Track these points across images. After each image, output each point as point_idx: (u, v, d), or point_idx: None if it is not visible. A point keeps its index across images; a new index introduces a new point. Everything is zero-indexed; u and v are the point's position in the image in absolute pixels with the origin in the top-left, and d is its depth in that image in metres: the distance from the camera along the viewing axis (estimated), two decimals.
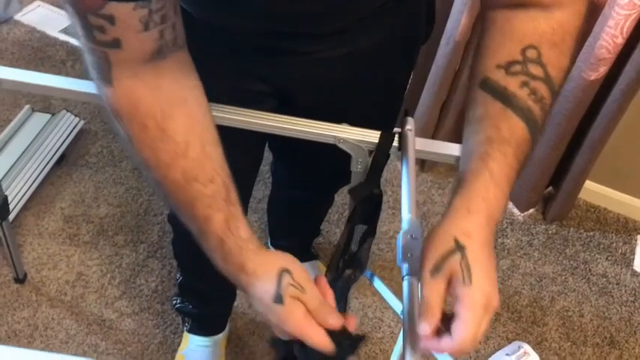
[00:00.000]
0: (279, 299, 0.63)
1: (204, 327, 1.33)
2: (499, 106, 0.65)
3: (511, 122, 0.64)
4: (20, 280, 1.42)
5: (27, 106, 1.73)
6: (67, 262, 1.49)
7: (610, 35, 1.30)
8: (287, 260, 0.66)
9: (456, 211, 0.62)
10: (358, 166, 0.91)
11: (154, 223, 1.59)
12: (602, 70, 1.38)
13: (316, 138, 0.87)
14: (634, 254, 1.72)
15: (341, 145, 0.88)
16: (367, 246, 0.95)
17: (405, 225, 0.75)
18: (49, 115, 1.75)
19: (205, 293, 1.26)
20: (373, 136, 0.86)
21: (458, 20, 1.44)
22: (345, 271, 1.07)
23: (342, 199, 1.65)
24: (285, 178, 1.33)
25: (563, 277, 1.64)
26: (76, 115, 1.75)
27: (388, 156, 0.88)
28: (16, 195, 1.54)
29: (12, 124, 1.67)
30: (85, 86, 0.87)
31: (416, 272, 0.71)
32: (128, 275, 1.48)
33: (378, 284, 1.01)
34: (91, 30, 0.57)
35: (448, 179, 1.82)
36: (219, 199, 0.64)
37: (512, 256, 1.66)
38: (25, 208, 1.56)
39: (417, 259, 0.72)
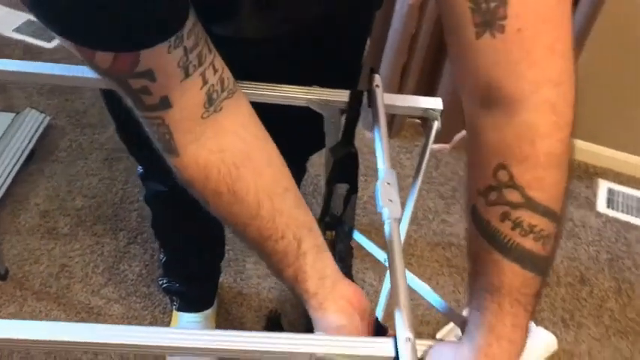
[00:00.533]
0: None
1: (192, 304, 1.36)
2: (486, 247, 0.58)
3: (499, 266, 0.57)
4: (2, 276, 1.43)
5: None
6: (49, 256, 1.49)
7: None
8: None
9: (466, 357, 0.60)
10: (331, 127, 0.95)
11: (130, 210, 1.60)
12: None
13: (289, 101, 0.90)
14: (596, 197, 1.81)
15: (313, 107, 0.91)
16: (352, 205, 0.99)
17: (381, 174, 0.79)
18: (12, 114, 1.73)
19: (191, 270, 1.28)
20: (343, 95, 0.90)
21: None
22: (325, 233, 1.11)
23: (315, 170, 1.69)
24: None
25: None
26: (41, 112, 1.74)
27: (359, 113, 0.92)
28: None
29: None
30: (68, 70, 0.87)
31: (396, 215, 0.76)
32: (111, 262, 1.49)
33: (359, 237, 1.05)
34: (138, 96, 0.54)
35: (414, 143, 1.87)
36: (290, 256, 0.67)
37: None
38: None
39: (396, 204, 0.77)
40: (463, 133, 1.85)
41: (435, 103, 0.91)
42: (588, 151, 1.85)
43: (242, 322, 1.42)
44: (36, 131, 1.71)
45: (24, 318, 1.38)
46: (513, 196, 0.55)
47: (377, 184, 0.78)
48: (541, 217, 0.55)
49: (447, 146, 1.88)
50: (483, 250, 0.58)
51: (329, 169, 1.02)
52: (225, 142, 0.61)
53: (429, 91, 1.76)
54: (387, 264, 0.89)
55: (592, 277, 1.61)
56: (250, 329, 1.40)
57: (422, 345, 0.67)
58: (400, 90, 1.75)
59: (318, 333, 0.70)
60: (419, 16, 1.57)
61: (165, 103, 0.55)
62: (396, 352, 0.64)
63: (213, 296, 1.39)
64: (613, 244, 1.69)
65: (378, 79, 0.91)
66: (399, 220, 0.76)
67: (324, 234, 1.08)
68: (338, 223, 1.06)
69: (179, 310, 1.36)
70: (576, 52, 0.58)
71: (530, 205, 0.55)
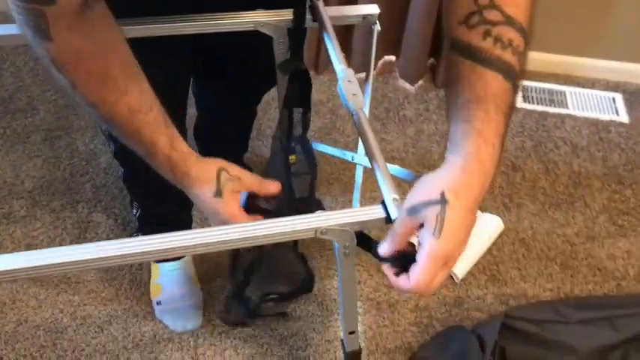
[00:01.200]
0: (218, 194, 0.80)
1: None
2: (468, 65, 0.65)
3: (483, 78, 0.64)
4: None
5: None
6: (12, 239, 1.49)
7: None
8: (223, 162, 0.82)
9: (452, 168, 0.65)
10: (281, 47, 1.01)
11: (83, 182, 1.61)
12: None
13: (237, 27, 0.96)
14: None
15: (262, 29, 0.97)
16: (308, 123, 1.07)
17: (340, 74, 0.88)
18: None
19: (166, 218, 1.33)
20: (288, 13, 0.96)
21: None
22: (288, 158, 1.19)
23: (263, 113, 1.76)
24: (210, 102, 1.40)
25: None
26: None
27: (305, 29, 0.99)
28: None
29: None
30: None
31: (361, 105, 0.85)
32: (77, 234, 1.51)
33: (322, 147, 1.14)
34: None
35: None
36: (160, 125, 0.76)
37: (414, 123, 1.86)
38: None
39: (359, 96, 0.86)
40: (385, 59, 1.96)
41: (372, 9, 1.00)
42: None
43: (218, 263, 1.49)
44: None
45: (2, 300, 1.39)
46: (493, 14, 0.64)
47: (339, 83, 0.87)
48: (517, 34, 0.65)
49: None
50: (466, 68, 0.65)
51: (282, 94, 1.09)
52: (96, 33, 0.69)
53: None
54: (355, 161, 0.99)
55: (522, 164, 1.78)
56: (226, 268, 1.47)
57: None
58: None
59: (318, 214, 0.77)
60: None
61: (51, 1, 0.61)
62: (387, 213, 0.74)
63: None
64: (534, 132, 1.87)
65: None
66: (366, 111, 0.85)
67: (287, 159, 1.18)
68: (300, 143, 1.14)
69: (158, 261, 1.41)
70: None
71: (509, 21, 0.64)
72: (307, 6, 0.97)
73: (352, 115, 0.84)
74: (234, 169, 0.83)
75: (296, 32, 0.98)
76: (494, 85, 0.65)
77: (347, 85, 0.86)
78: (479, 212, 1.62)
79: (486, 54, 0.64)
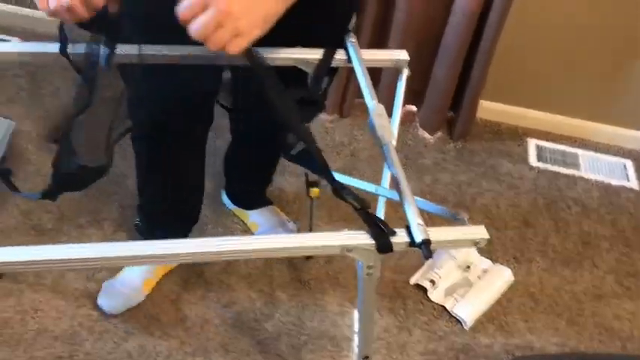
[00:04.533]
0: None
1: None
2: None
3: None
4: None
5: None
6: None
7: None
8: None
9: None
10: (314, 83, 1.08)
11: (112, 202, 1.68)
12: None
13: (278, 63, 1.03)
14: (527, 153, 2.04)
15: (300, 65, 1.05)
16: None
17: (372, 109, 0.95)
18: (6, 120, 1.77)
19: (165, 211, 1.41)
20: (318, 52, 1.04)
21: None
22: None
23: None
24: (242, 130, 1.48)
25: (477, 181, 1.92)
26: (5, 117, 1.78)
27: (332, 68, 1.06)
28: None
29: None
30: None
31: (391, 139, 0.91)
32: None
33: (344, 178, 1.20)
34: None
35: (365, 120, 2.04)
36: None
37: (431, 171, 1.92)
38: None
39: (389, 130, 0.92)
40: (407, 107, 2.05)
41: (403, 55, 1.08)
42: (516, 114, 2.09)
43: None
44: (4, 137, 1.75)
45: (25, 309, 1.44)
46: None
47: (370, 117, 0.94)
48: None
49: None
50: None
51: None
52: None
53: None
54: (377, 192, 1.05)
55: (534, 220, 1.82)
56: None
57: (430, 231, 0.81)
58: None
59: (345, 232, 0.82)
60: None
61: None
62: (411, 237, 0.79)
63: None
64: (547, 191, 1.92)
65: (352, 36, 1.07)
66: (394, 143, 0.91)
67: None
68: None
69: None
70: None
71: None
72: (345, 46, 1.05)
73: (382, 146, 0.91)
74: None
75: (320, 66, 1.04)
76: None
77: (378, 118, 0.93)
78: (490, 263, 1.66)
79: None
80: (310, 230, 1.58)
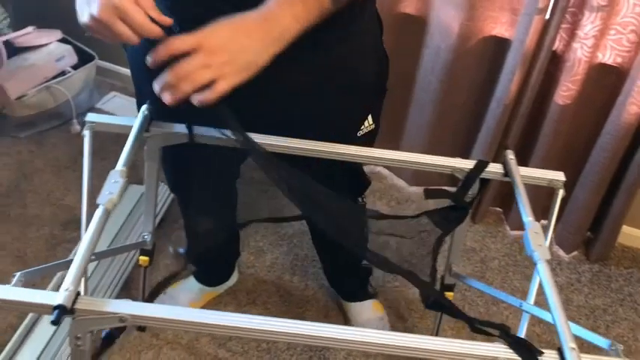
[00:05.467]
0: None
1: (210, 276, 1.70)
2: None
3: None
4: (142, 328, 1.60)
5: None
6: None
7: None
8: None
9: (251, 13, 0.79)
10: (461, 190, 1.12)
11: (247, 277, 1.78)
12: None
13: (437, 169, 1.10)
14: None
15: (456, 174, 1.11)
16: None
17: (528, 225, 0.98)
18: (143, 187, 1.97)
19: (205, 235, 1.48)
20: (470, 163, 1.09)
21: (507, 87, 1.72)
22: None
23: None
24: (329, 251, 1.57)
25: (613, 308, 1.83)
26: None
27: (485, 180, 1.10)
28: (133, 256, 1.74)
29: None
30: None
31: (546, 257, 0.93)
32: None
33: (484, 286, 1.21)
34: None
35: (497, 229, 2.04)
36: None
37: (564, 291, 1.86)
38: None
39: (545, 248, 0.94)
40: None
41: (559, 175, 1.11)
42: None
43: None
44: (164, 203, 1.94)
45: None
46: None
47: (526, 233, 0.96)
48: None
49: None
50: None
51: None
52: None
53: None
54: (523, 308, 1.05)
55: None
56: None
57: (584, 358, 0.80)
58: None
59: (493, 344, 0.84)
60: (510, 115, 1.80)
61: None
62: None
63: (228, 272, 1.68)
64: None
65: (511, 153, 1.11)
66: (549, 261, 0.93)
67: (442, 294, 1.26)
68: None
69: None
70: None
71: None
72: (503, 161, 1.09)
73: (535, 263, 0.93)
74: None
75: (469, 177, 1.09)
76: None
77: (534, 235, 0.95)
78: None
79: None
80: (437, 334, 1.58)
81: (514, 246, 1.99)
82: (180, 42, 0.77)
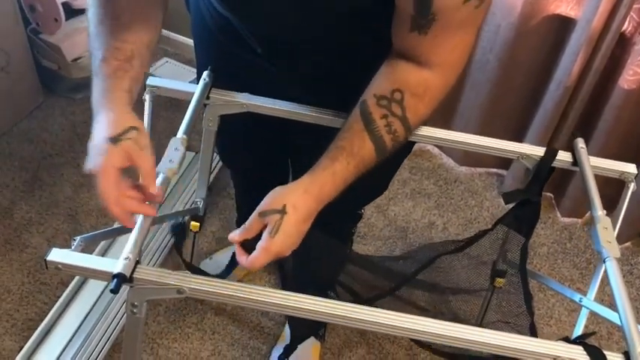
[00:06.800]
0: (113, 140, 0.78)
1: None
2: (361, 126, 0.84)
3: (364, 142, 0.84)
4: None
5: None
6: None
7: None
8: (140, 124, 0.83)
9: (297, 187, 0.83)
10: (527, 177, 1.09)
11: None
12: None
13: (502, 154, 1.06)
14: None
15: (523, 161, 1.07)
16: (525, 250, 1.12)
17: (597, 220, 0.94)
18: (192, 154, 1.98)
19: None
20: (540, 150, 1.04)
21: (569, 68, 1.65)
22: (495, 280, 1.25)
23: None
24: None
25: None
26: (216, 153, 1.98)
27: (552, 169, 1.05)
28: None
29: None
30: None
31: (616, 255, 0.89)
32: None
33: (545, 279, 1.17)
34: None
35: (548, 214, 1.99)
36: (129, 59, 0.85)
37: None
38: None
39: (614, 245, 0.90)
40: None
41: (631, 168, 1.06)
42: None
43: None
44: (212, 170, 1.94)
45: (204, 329, 1.57)
46: (397, 109, 0.84)
47: (596, 228, 0.92)
48: (404, 130, 0.85)
49: (578, 221, 1.98)
50: (357, 125, 0.85)
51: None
52: None
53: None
54: (582, 303, 1.02)
55: None
56: None
57: None
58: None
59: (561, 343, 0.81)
60: (570, 97, 1.73)
61: None
62: None
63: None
64: None
65: (581, 141, 1.06)
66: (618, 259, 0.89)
67: (492, 280, 1.23)
68: (519, 271, 1.19)
69: None
70: None
71: (403, 119, 0.85)
72: (572, 149, 1.05)
73: (604, 261, 0.89)
74: (143, 140, 0.81)
75: (540, 168, 1.04)
76: (365, 151, 0.84)
77: (603, 231, 0.92)
78: None
79: (376, 129, 0.84)
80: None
81: (564, 233, 1.94)
82: (259, 261, 0.82)
